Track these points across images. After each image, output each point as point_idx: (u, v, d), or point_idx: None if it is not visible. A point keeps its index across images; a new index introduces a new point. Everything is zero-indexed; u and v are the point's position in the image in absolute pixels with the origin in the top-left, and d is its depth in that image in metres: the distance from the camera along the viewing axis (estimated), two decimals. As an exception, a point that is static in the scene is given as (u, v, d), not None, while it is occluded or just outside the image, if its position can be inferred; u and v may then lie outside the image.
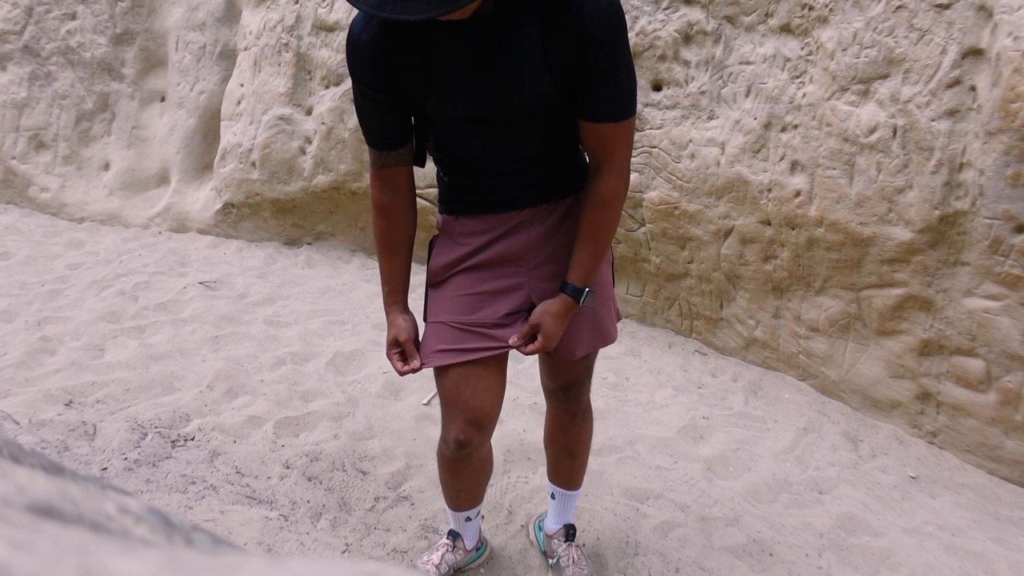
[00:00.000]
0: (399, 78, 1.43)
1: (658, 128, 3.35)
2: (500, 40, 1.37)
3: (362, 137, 1.65)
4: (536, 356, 1.79)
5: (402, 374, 1.59)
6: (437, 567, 1.92)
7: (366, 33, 1.40)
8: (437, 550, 1.96)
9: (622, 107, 1.43)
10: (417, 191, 4.22)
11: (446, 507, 1.93)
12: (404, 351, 1.60)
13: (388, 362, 3.20)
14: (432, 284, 1.65)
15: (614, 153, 1.48)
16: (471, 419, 1.58)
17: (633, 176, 3.46)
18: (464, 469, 1.70)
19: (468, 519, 1.89)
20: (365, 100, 1.48)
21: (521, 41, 1.37)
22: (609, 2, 1.35)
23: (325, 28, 4.38)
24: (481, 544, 2.04)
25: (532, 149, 1.52)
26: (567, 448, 1.91)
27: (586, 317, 1.63)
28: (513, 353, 3.35)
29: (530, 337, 1.56)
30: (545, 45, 1.37)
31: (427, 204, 4.21)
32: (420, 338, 1.64)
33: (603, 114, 1.43)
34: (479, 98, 1.42)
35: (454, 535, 1.95)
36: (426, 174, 4.16)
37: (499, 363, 1.62)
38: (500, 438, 2.61)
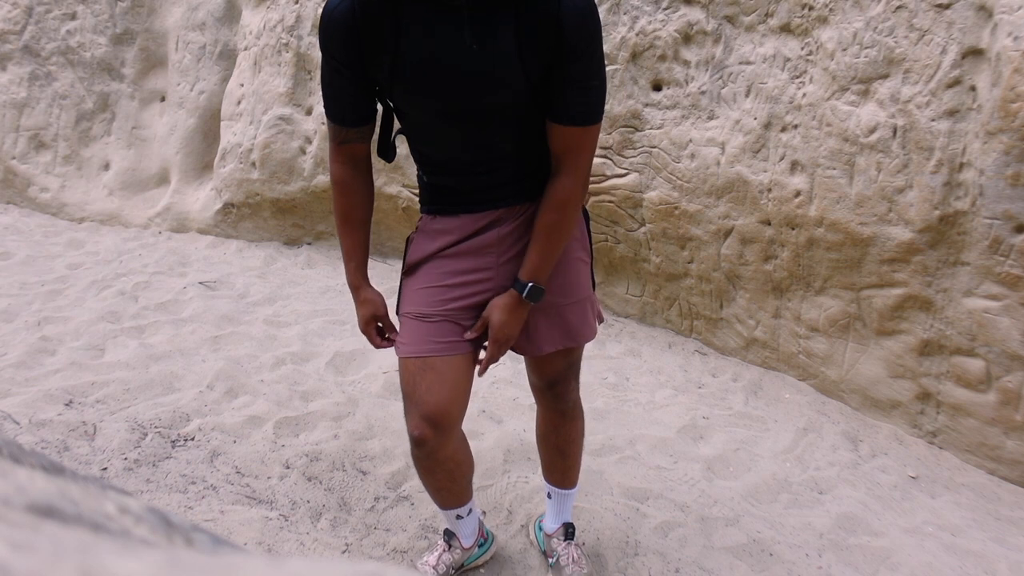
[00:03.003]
0: (367, 61, 1.43)
1: (658, 128, 3.35)
2: (472, 31, 1.36)
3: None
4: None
5: (379, 347, 1.65)
6: (435, 568, 1.92)
7: (340, 7, 1.40)
8: (434, 551, 1.96)
9: (591, 112, 1.44)
10: (415, 191, 4.23)
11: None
12: (382, 325, 1.66)
13: (388, 362, 3.20)
14: (406, 274, 1.67)
15: (578, 157, 1.49)
16: (425, 415, 1.56)
17: (633, 176, 3.46)
18: (433, 468, 1.67)
19: (459, 517, 1.87)
20: (333, 74, 1.47)
21: (496, 35, 1.37)
22: (586, 4, 1.36)
23: (325, 28, 4.38)
24: (484, 540, 2.02)
25: (507, 149, 1.52)
26: (558, 447, 1.91)
27: (551, 316, 1.64)
28: (512, 353, 3.34)
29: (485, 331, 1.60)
30: (520, 41, 1.37)
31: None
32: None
33: (572, 117, 1.44)
34: (446, 89, 1.41)
35: (449, 534, 1.95)
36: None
37: (462, 360, 1.60)
38: (500, 438, 2.61)
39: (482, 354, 1.62)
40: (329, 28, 1.42)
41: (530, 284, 1.54)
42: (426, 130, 1.52)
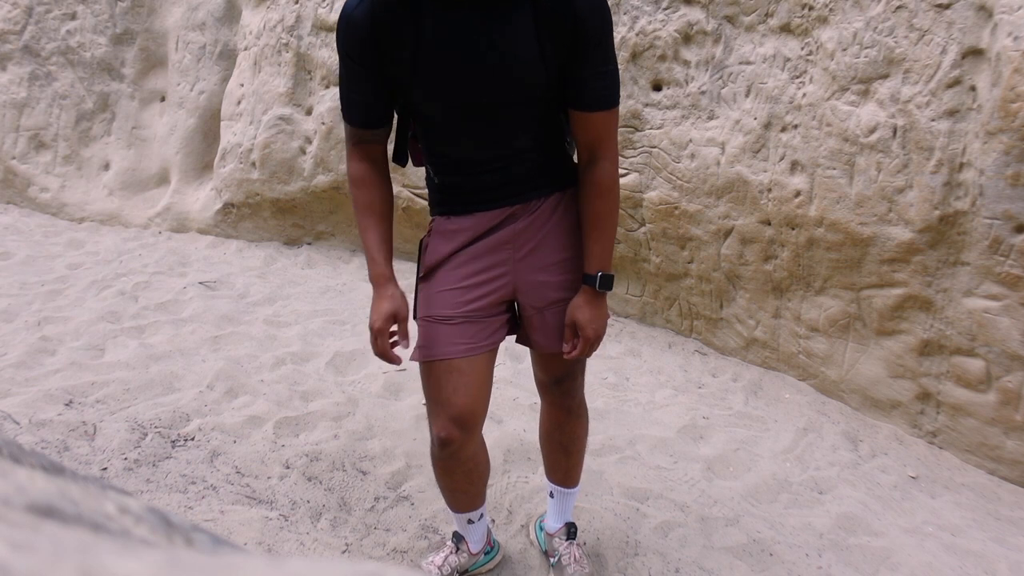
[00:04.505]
0: (387, 61, 1.44)
1: (658, 128, 3.35)
2: (492, 24, 1.39)
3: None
4: (529, 352, 1.81)
5: (382, 353, 1.51)
6: (440, 568, 1.91)
7: (359, 9, 1.41)
8: (441, 552, 1.95)
9: (612, 95, 1.49)
10: (415, 191, 4.23)
11: (448, 508, 1.92)
12: (398, 329, 1.53)
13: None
14: (422, 279, 1.66)
15: (607, 141, 1.53)
16: (453, 417, 1.58)
17: (633, 176, 3.46)
18: (453, 468, 1.69)
19: (470, 521, 1.87)
20: (352, 77, 1.48)
21: (514, 26, 1.39)
22: None
23: (325, 28, 4.38)
24: (490, 548, 2.02)
25: (524, 144, 1.53)
26: (563, 445, 1.91)
27: (566, 312, 1.64)
28: (514, 352, 3.35)
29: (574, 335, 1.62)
30: (539, 34, 1.40)
31: (425, 204, 4.21)
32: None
33: (596, 103, 1.48)
34: (468, 83, 1.43)
35: (458, 537, 1.94)
36: (422, 174, 4.16)
37: (484, 360, 1.62)
38: (500, 438, 2.61)
39: (565, 347, 1.64)
40: (348, 30, 1.43)
41: (599, 274, 1.58)
42: (445, 129, 1.53)
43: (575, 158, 1.66)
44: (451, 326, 1.58)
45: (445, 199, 1.62)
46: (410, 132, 1.62)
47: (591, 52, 1.42)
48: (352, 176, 1.59)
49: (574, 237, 1.63)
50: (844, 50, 2.73)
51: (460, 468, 1.69)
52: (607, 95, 1.48)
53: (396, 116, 1.60)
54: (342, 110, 1.54)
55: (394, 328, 1.53)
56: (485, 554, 1.99)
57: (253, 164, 4.76)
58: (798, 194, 2.93)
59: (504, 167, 1.55)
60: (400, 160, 1.63)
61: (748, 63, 3.08)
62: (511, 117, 1.49)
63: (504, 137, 1.51)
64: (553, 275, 1.62)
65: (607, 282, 1.58)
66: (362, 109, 1.52)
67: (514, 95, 1.45)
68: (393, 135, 1.63)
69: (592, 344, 1.61)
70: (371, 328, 1.52)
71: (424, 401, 2.88)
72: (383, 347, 1.52)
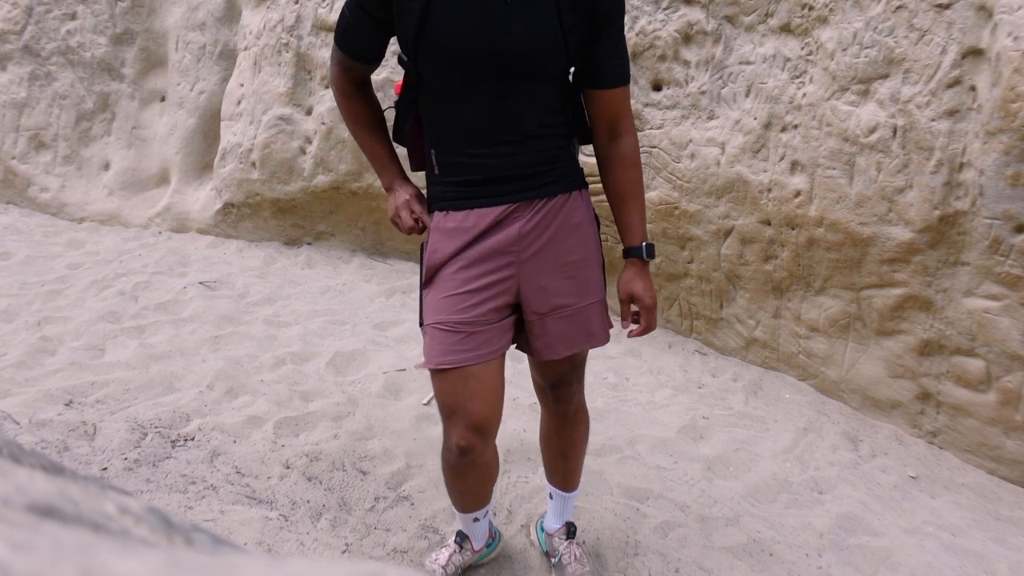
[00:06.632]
0: (396, 17, 1.46)
1: (658, 128, 3.35)
2: None
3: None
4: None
5: (408, 229, 1.63)
6: (444, 567, 1.91)
7: None
8: (444, 551, 1.95)
9: (627, 72, 1.56)
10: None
11: (453, 509, 1.91)
12: (412, 209, 1.63)
13: (388, 362, 3.20)
14: (426, 284, 1.63)
15: (626, 116, 1.59)
16: (471, 424, 1.55)
17: (633, 176, 3.46)
18: (469, 474, 1.69)
19: (476, 520, 1.87)
20: (358, 23, 1.52)
21: (535, 2, 1.43)
22: None
23: (325, 28, 4.38)
24: (491, 541, 2.03)
25: (525, 127, 1.51)
26: (561, 451, 1.91)
27: (568, 317, 1.61)
28: (513, 352, 3.34)
29: (633, 312, 1.67)
30: (559, 6, 1.44)
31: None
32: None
33: (615, 80, 1.54)
34: (476, 43, 1.43)
35: (462, 536, 1.94)
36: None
37: (497, 365, 1.60)
38: (500, 438, 2.60)
39: (632, 327, 1.67)
40: None
41: (644, 244, 1.62)
42: (449, 96, 1.51)
43: (579, 156, 1.66)
44: (460, 333, 1.54)
45: (444, 192, 1.59)
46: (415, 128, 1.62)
47: (609, 30, 1.47)
48: (341, 90, 1.63)
49: (579, 240, 1.60)
50: (844, 50, 2.73)
51: (475, 473, 1.69)
52: (623, 72, 1.54)
53: (398, 99, 1.62)
54: (336, 35, 1.57)
55: (416, 208, 1.64)
56: (487, 547, 2.01)
57: (253, 164, 4.76)
58: (798, 194, 2.93)
59: (510, 153, 1.52)
60: (401, 139, 1.65)
61: (748, 63, 3.08)
62: (516, 90, 1.48)
63: (508, 112, 1.49)
64: (557, 279, 1.58)
65: (651, 251, 1.63)
66: (360, 47, 1.56)
67: (521, 66, 1.45)
68: (394, 116, 1.66)
69: (653, 312, 1.65)
70: (394, 208, 1.64)
71: (424, 402, 2.89)
72: (407, 218, 1.62)
